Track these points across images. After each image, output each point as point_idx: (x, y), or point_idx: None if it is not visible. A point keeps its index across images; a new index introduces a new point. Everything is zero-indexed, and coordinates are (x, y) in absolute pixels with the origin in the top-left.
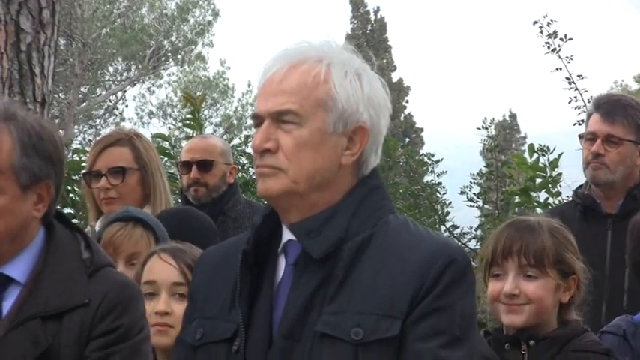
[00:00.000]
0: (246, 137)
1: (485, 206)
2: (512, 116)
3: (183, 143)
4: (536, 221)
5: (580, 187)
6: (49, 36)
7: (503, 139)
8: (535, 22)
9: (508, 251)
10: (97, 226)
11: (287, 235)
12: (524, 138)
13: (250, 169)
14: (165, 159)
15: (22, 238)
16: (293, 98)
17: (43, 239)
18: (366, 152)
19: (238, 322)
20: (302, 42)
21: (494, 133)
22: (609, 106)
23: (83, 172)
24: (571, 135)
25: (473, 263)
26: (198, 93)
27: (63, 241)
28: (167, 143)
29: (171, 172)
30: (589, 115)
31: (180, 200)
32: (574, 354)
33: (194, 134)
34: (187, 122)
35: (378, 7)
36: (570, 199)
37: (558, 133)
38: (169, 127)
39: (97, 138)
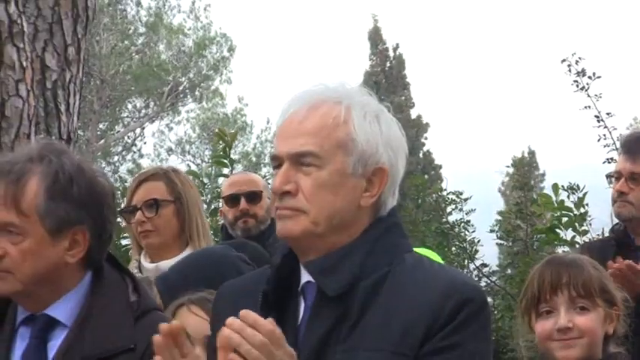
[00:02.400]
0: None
1: (508, 244)
2: (531, 153)
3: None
4: (573, 256)
5: (617, 223)
6: (75, 73)
7: (523, 175)
8: (563, 60)
9: (557, 285)
10: (142, 260)
11: (305, 276)
12: (543, 175)
13: None
14: None
15: (58, 282)
16: (313, 140)
17: (90, 282)
18: (384, 193)
19: None
20: (319, 84)
21: (512, 170)
22: (631, 144)
23: (120, 208)
24: (592, 172)
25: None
26: (216, 129)
27: (110, 284)
28: (196, 180)
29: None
30: (619, 155)
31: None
32: None
33: (212, 171)
34: (219, 159)
35: (397, 44)
36: (597, 236)
37: (576, 169)
38: (188, 164)
39: (135, 174)
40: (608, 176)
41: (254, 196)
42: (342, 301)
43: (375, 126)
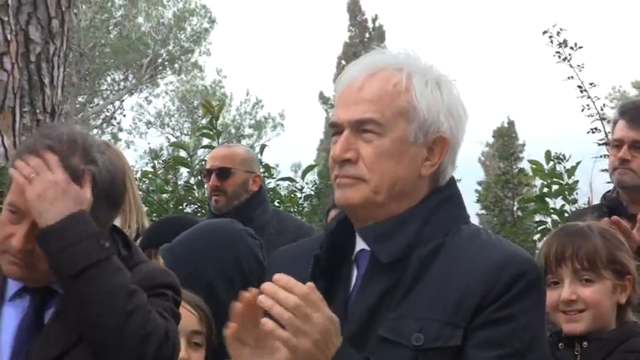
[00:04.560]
0: (262, 146)
1: (493, 214)
2: (511, 123)
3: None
4: (585, 225)
5: (609, 191)
6: (59, 46)
7: (507, 145)
8: (545, 32)
9: (561, 257)
10: None
11: (360, 244)
12: (523, 145)
13: (266, 178)
14: (183, 168)
15: None
16: (374, 107)
17: None
18: (444, 163)
19: None
20: (378, 51)
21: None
22: (635, 112)
23: None
24: (569, 142)
25: None
26: (195, 102)
27: None
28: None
29: (187, 181)
30: (615, 122)
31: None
32: (626, 355)
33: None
34: (205, 131)
35: (376, 15)
36: (583, 205)
37: (555, 139)
38: (167, 137)
39: None
40: (607, 144)
41: (224, 172)
42: (395, 269)
43: (437, 93)
